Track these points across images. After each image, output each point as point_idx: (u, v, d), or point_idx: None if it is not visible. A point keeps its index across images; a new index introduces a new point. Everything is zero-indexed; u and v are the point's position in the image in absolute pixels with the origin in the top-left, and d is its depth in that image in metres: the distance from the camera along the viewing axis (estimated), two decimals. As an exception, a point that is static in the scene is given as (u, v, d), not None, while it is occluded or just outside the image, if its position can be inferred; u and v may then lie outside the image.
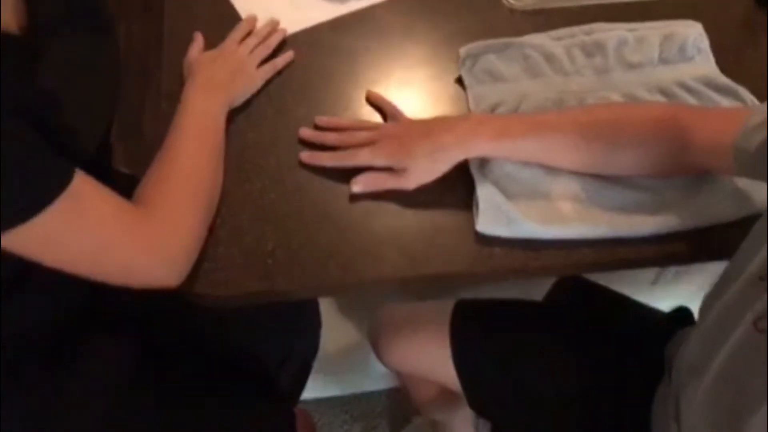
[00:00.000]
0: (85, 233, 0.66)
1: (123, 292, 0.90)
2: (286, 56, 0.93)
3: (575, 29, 0.97)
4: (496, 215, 0.79)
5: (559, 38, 0.96)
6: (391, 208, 0.82)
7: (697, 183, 0.83)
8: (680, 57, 0.94)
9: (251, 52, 0.91)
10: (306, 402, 1.59)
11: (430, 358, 1.02)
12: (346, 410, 1.63)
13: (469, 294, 1.05)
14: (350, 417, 1.62)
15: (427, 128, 0.82)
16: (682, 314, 1.00)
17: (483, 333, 1.00)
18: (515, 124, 0.82)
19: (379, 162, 0.82)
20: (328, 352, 1.38)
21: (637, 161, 0.81)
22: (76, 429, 0.82)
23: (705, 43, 0.96)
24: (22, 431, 0.80)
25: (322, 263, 0.78)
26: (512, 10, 1.01)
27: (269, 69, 0.91)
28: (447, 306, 1.03)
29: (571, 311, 1.03)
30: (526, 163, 0.83)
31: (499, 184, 0.82)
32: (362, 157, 0.82)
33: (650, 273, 1.36)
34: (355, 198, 0.82)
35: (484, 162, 0.83)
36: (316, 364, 1.16)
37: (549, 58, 0.93)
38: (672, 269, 1.34)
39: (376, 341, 1.09)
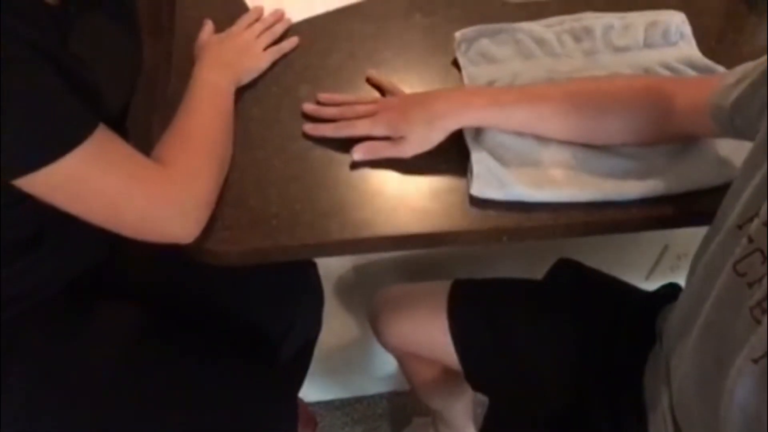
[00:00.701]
0: (107, 179, 0.71)
1: (131, 258, 0.94)
2: (291, 41, 0.98)
3: (565, 17, 1.02)
4: (490, 179, 0.83)
5: (549, 25, 1.01)
6: (389, 174, 0.86)
7: (682, 151, 0.87)
8: (664, 41, 1.00)
9: (257, 36, 0.97)
10: (307, 404, 1.60)
11: (429, 334, 1.05)
12: (347, 413, 1.64)
13: (465, 274, 1.08)
14: (351, 420, 1.63)
15: (424, 99, 0.87)
16: (672, 289, 1.03)
17: (479, 307, 1.03)
18: (507, 93, 0.87)
19: (378, 131, 0.87)
20: (329, 354, 1.41)
21: (623, 128, 0.85)
22: (79, 388, 0.85)
23: (687, 29, 1.01)
24: (25, 386, 0.83)
25: (322, 223, 0.82)
26: (504, 3, 1.06)
27: (274, 52, 0.96)
28: (445, 285, 1.06)
29: (565, 289, 1.06)
30: (519, 134, 0.88)
31: (493, 153, 0.86)
32: (362, 127, 0.87)
33: (644, 269, 1.39)
34: (355, 165, 0.86)
35: (478, 132, 0.87)
36: (316, 367, 1.19)
37: (540, 42, 0.98)
38: (666, 264, 1.37)
39: (375, 320, 1.11)
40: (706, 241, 0.79)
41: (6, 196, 0.73)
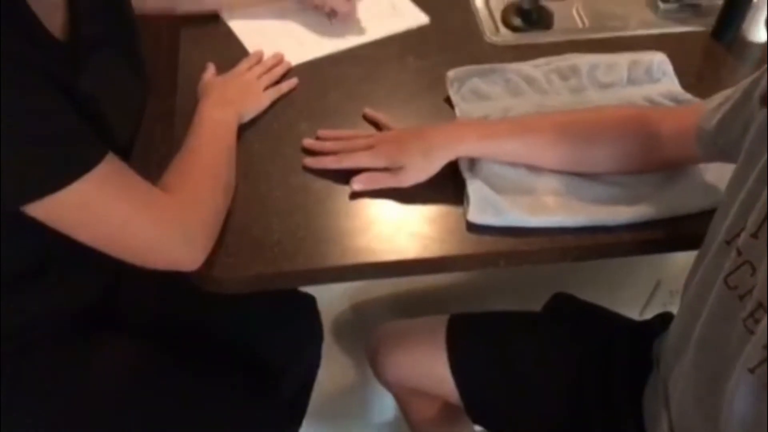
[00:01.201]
0: (114, 205, 0.73)
1: (135, 290, 0.95)
2: (291, 82, 1.02)
3: (551, 58, 1.07)
4: (485, 206, 0.86)
5: (537, 65, 1.06)
6: (388, 203, 0.89)
7: (669, 178, 0.91)
8: (647, 78, 1.04)
9: (258, 77, 1.01)
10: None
11: (428, 368, 1.05)
12: (344, 459, 1.62)
13: (461, 311, 1.09)
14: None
15: (420, 131, 0.91)
16: (667, 318, 1.05)
17: (478, 339, 1.04)
18: (499, 125, 0.91)
19: (377, 162, 0.90)
20: (327, 399, 1.41)
21: (611, 156, 0.89)
22: (83, 420, 0.85)
23: (669, 67, 1.06)
24: (29, 418, 0.83)
25: (324, 250, 0.84)
26: (493, 45, 1.11)
27: (275, 92, 1.00)
28: (442, 319, 1.07)
29: (563, 320, 1.07)
30: (512, 164, 0.91)
31: (487, 181, 0.89)
32: (361, 159, 0.90)
33: (637, 305, 1.41)
34: (354, 195, 0.89)
35: (472, 162, 0.91)
36: (314, 412, 1.18)
37: (528, 80, 1.03)
38: (659, 300, 1.39)
39: (374, 357, 1.12)
40: (698, 260, 0.82)
41: (11, 227, 0.74)
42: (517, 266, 0.88)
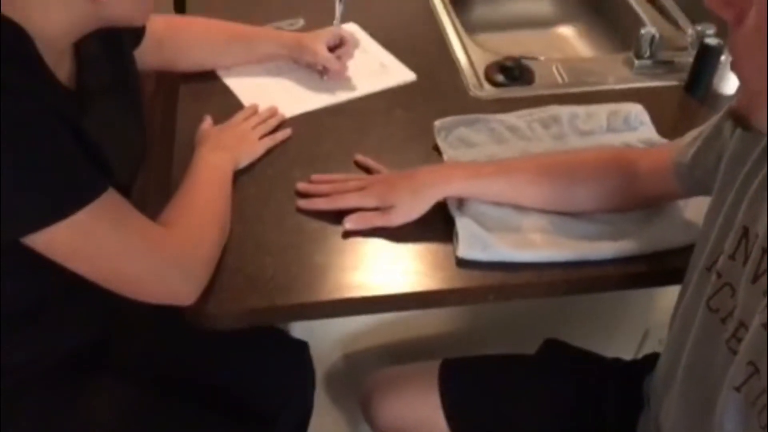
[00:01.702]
0: (114, 237, 0.75)
1: (129, 332, 0.96)
2: (285, 132, 1.06)
3: (533, 110, 1.12)
4: (474, 241, 0.89)
5: (519, 116, 1.11)
6: (380, 241, 0.92)
7: (651, 215, 0.94)
8: (625, 126, 1.09)
9: (254, 127, 1.05)
10: None
11: (421, 413, 1.05)
12: None
13: (453, 355, 1.10)
14: None
15: (410, 172, 0.94)
16: (656, 357, 1.06)
17: (470, 383, 1.04)
18: (485, 166, 0.95)
19: (368, 202, 0.93)
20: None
21: (593, 195, 0.92)
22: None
23: (646, 117, 1.12)
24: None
25: (317, 285, 0.86)
26: (477, 99, 1.17)
27: (269, 141, 1.04)
28: (434, 364, 1.08)
29: (554, 363, 1.08)
30: (498, 204, 0.94)
31: (475, 219, 0.92)
32: (353, 199, 0.93)
33: (626, 355, 1.41)
34: (347, 234, 0.92)
35: (461, 203, 0.94)
36: None
37: (512, 129, 1.08)
38: (647, 349, 1.39)
39: (366, 404, 1.11)
40: (681, 291, 0.84)
41: (10, 265, 0.76)
42: (506, 301, 0.90)
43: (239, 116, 1.07)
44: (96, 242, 0.74)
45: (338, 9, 1.17)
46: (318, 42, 1.14)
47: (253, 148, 1.02)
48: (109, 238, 0.75)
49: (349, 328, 1.16)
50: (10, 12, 0.70)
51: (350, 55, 1.17)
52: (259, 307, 0.84)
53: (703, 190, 0.83)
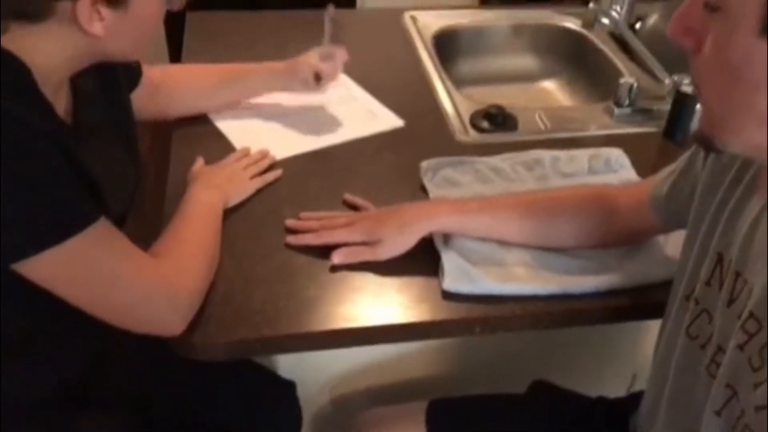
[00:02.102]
0: (106, 264, 0.77)
1: (116, 368, 0.96)
2: (275, 173, 1.09)
3: (516, 154, 1.16)
4: (459, 274, 0.91)
5: (504, 159, 1.14)
6: (367, 275, 0.93)
7: (631, 251, 0.97)
8: (606, 169, 1.13)
9: (245, 168, 1.08)
10: None
11: (408, 453, 1.05)
12: None
13: (441, 396, 1.10)
14: None
15: (396, 208, 0.97)
16: (641, 396, 1.06)
17: (457, 422, 1.04)
18: (470, 203, 0.97)
19: (355, 237, 0.95)
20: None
21: (573, 231, 0.95)
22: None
23: (627, 161, 1.15)
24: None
25: (305, 317, 0.87)
26: (462, 144, 1.20)
27: (259, 181, 1.07)
28: (422, 405, 1.08)
29: (542, 403, 1.08)
30: (483, 240, 0.96)
31: (461, 254, 0.94)
32: (341, 234, 0.95)
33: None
34: (335, 268, 0.93)
35: (446, 238, 0.96)
36: None
37: (496, 170, 1.11)
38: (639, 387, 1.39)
39: (355, 445, 1.11)
40: (663, 323, 0.86)
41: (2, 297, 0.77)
42: (491, 333, 0.91)
43: (231, 157, 1.10)
44: (87, 269, 0.75)
45: (327, 28, 1.23)
46: (308, 57, 1.18)
47: (243, 187, 1.04)
48: (100, 266, 0.76)
49: (336, 368, 1.17)
50: (9, 45, 0.73)
51: (343, 60, 1.19)
52: (247, 338, 0.85)
53: (680, 223, 0.85)
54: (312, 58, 1.18)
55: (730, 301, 0.70)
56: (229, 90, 1.21)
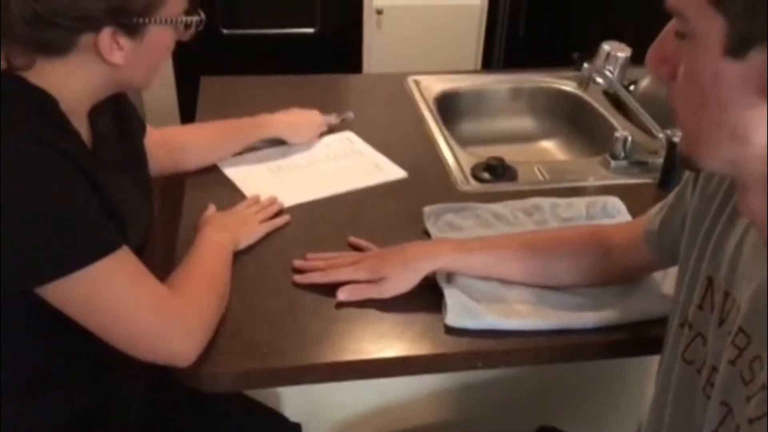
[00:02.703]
0: (125, 291, 0.80)
1: (126, 404, 0.98)
2: (284, 218, 1.14)
3: (516, 201, 1.20)
4: (462, 311, 0.93)
5: (504, 205, 1.18)
6: (372, 311, 0.96)
7: (629, 288, 0.99)
8: (603, 214, 1.17)
9: (255, 213, 1.12)
10: None
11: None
12: None
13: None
14: None
15: (401, 247, 1.00)
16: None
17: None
18: (473, 242, 1.01)
19: (361, 275, 0.98)
20: None
21: (572, 269, 0.98)
22: None
23: (623, 207, 1.19)
24: None
25: (312, 349, 0.89)
26: (464, 193, 1.25)
27: (268, 225, 1.11)
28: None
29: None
30: (485, 278, 0.99)
31: (463, 291, 0.97)
32: (346, 273, 0.98)
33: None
34: (340, 305, 0.96)
35: (449, 277, 0.99)
36: None
37: (497, 216, 1.15)
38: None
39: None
40: (661, 355, 0.87)
41: (18, 331, 0.80)
42: (494, 367, 0.93)
43: (242, 204, 1.15)
44: (108, 295, 0.79)
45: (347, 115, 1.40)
46: (312, 115, 1.34)
47: (252, 231, 1.08)
48: (121, 292, 0.79)
49: (343, 412, 1.18)
50: (36, 79, 0.79)
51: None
52: (254, 369, 0.87)
53: (674, 257, 0.88)
54: (314, 116, 1.30)
55: (721, 321, 0.73)
56: (235, 142, 1.30)
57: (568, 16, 2.75)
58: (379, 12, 2.74)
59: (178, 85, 2.64)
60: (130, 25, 0.82)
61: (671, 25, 0.64)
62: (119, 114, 0.99)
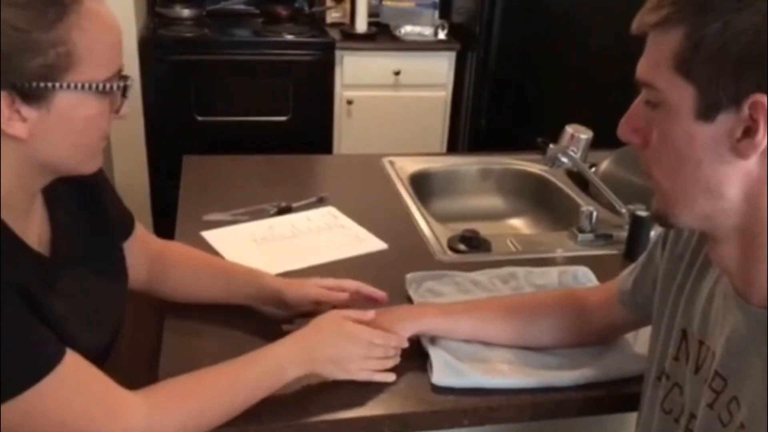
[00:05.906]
0: (77, 404, 0.76)
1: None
2: (389, 375, 0.97)
3: (492, 270, 1.25)
4: (447, 369, 0.97)
5: (481, 273, 1.24)
6: (360, 372, 0.98)
7: (605, 348, 1.04)
8: (575, 283, 1.23)
9: (372, 357, 0.95)
10: None
11: None
12: None
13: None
14: None
15: (387, 310, 1.04)
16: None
17: None
18: (455, 305, 1.06)
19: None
20: None
21: (550, 330, 1.03)
22: None
23: (593, 276, 1.25)
24: None
25: (303, 406, 0.91)
26: (442, 263, 1.30)
27: (367, 375, 0.95)
28: None
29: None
30: (468, 341, 1.03)
31: (447, 351, 1.00)
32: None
33: None
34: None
35: (432, 340, 1.03)
36: None
37: (475, 283, 1.20)
38: None
39: None
40: (639, 409, 0.92)
41: None
42: (480, 425, 0.95)
43: (375, 334, 0.95)
44: (50, 415, 0.74)
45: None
46: (308, 286, 1.10)
47: (344, 374, 0.93)
48: (70, 406, 0.75)
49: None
50: None
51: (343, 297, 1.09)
52: (247, 429, 0.88)
53: (647, 315, 0.93)
54: (310, 288, 1.09)
55: (697, 369, 0.78)
56: (223, 289, 1.11)
57: (527, 108, 2.91)
58: (350, 102, 2.87)
59: (150, 165, 2.70)
60: (28, 90, 0.72)
61: (640, 98, 0.71)
62: (88, 205, 0.92)
